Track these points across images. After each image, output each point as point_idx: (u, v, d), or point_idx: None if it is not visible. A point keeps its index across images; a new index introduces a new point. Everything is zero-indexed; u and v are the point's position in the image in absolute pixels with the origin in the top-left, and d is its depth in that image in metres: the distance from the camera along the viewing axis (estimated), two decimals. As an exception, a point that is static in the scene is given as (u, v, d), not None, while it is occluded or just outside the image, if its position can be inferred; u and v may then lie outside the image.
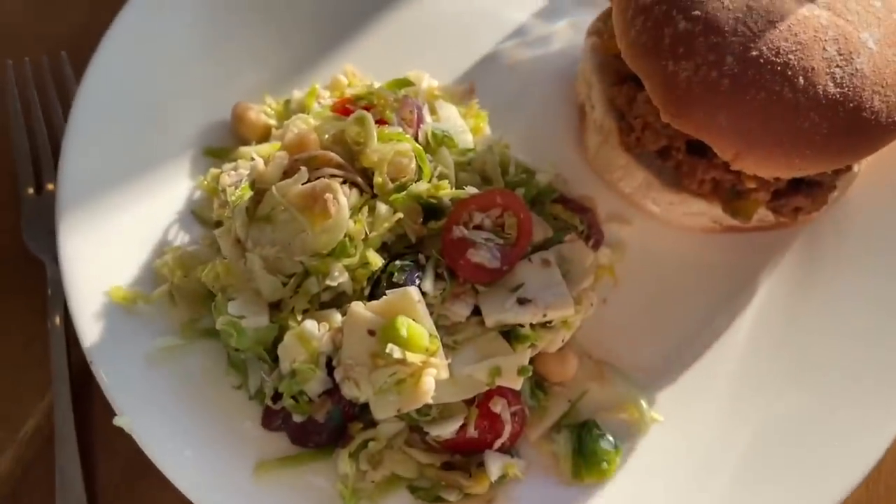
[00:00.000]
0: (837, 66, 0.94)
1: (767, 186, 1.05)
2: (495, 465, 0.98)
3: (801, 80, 0.93)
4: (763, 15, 0.94)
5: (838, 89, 0.94)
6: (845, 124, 0.94)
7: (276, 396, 0.97)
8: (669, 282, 1.15)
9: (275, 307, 0.98)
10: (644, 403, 1.06)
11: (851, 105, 0.94)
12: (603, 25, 1.19)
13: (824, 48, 0.94)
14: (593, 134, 1.18)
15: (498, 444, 0.99)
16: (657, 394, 1.08)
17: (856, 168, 1.12)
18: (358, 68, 1.26)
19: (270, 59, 1.26)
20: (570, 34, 1.31)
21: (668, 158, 1.11)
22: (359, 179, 1.02)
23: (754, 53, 0.93)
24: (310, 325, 0.94)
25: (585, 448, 1.01)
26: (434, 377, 0.90)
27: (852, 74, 0.94)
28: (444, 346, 0.94)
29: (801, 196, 1.08)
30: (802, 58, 0.93)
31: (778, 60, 0.93)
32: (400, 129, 1.05)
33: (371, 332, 0.91)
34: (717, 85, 0.94)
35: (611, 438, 1.03)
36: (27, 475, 1.06)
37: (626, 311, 1.13)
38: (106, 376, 0.98)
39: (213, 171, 1.11)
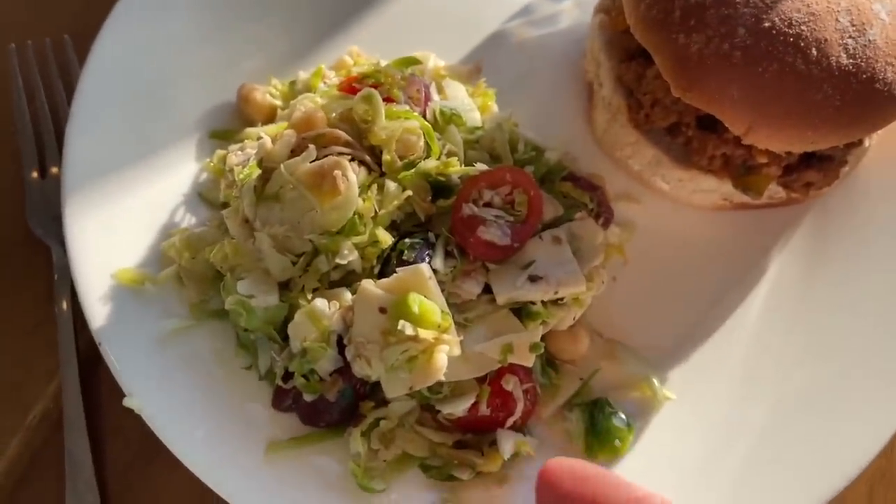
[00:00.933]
0: (850, 37, 0.93)
1: (779, 161, 1.05)
2: (508, 443, 0.97)
3: (814, 51, 0.92)
4: (775, -15, 0.93)
5: (851, 60, 0.93)
6: (858, 96, 0.94)
7: (287, 376, 0.97)
8: (680, 260, 1.14)
9: (284, 286, 0.98)
10: (656, 381, 1.05)
11: (864, 76, 0.93)
12: (610, 2, 1.18)
13: (837, 19, 0.93)
14: (602, 112, 1.17)
15: (510, 422, 0.99)
16: (669, 372, 1.07)
17: (867, 142, 1.12)
18: (363, 50, 1.25)
19: (275, 41, 1.25)
20: (576, 12, 1.30)
21: (677, 135, 1.10)
22: (367, 157, 1.01)
23: (766, 25, 0.92)
24: (320, 303, 0.93)
25: (598, 426, 1.01)
26: (446, 354, 0.90)
27: (865, 46, 0.93)
28: (455, 323, 0.93)
29: (812, 171, 1.07)
30: (815, 29, 0.92)
31: (790, 31, 0.92)
32: (407, 107, 1.04)
33: (382, 310, 0.91)
34: (729, 57, 0.93)
35: (623, 416, 1.02)
36: (37, 459, 1.05)
37: (637, 289, 1.12)
38: (115, 358, 0.98)
39: (220, 152, 1.11)
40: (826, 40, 0.92)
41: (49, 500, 1.02)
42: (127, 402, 0.95)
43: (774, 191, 1.10)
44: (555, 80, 1.25)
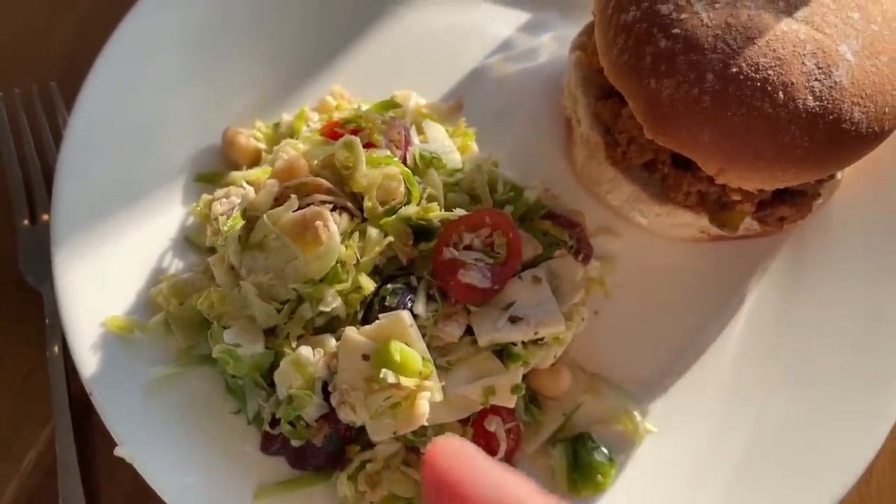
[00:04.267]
0: (816, 79, 0.95)
1: (752, 198, 1.07)
2: (492, 482, 0.99)
3: (781, 94, 0.94)
4: (742, 31, 0.95)
5: (818, 102, 0.95)
6: (826, 137, 0.96)
7: (274, 422, 0.99)
8: (660, 292, 1.16)
9: (270, 333, 1.00)
10: (637, 415, 1.07)
11: (831, 117, 0.95)
12: (587, 40, 1.20)
13: (803, 62, 0.95)
14: (580, 148, 1.19)
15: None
16: (650, 405, 1.09)
17: (839, 175, 1.14)
18: (346, 88, 1.27)
19: (258, 81, 1.27)
20: (554, 47, 1.32)
21: (654, 172, 1.12)
22: (349, 204, 1.03)
23: (734, 70, 0.94)
24: (305, 351, 0.95)
25: (581, 461, 1.03)
26: (428, 400, 0.92)
27: (831, 87, 0.95)
28: (438, 367, 0.96)
29: (785, 206, 1.09)
30: (782, 73, 0.94)
31: (757, 76, 0.94)
32: (388, 152, 1.06)
33: (365, 357, 0.93)
34: (699, 102, 0.95)
35: (605, 451, 1.04)
36: (31, 504, 1.07)
37: (618, 322, 1.14)
38: (106, 407, 1.00)
39: (206, 197, 1.12)
40: (793, 84, 0.94)
41: (45, 545, 1.04)
42: (118, 452, 0.97)
43: (749, 224, 1.13)
44: (534, 116, 1.27)
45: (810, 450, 1.04)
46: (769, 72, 0.94)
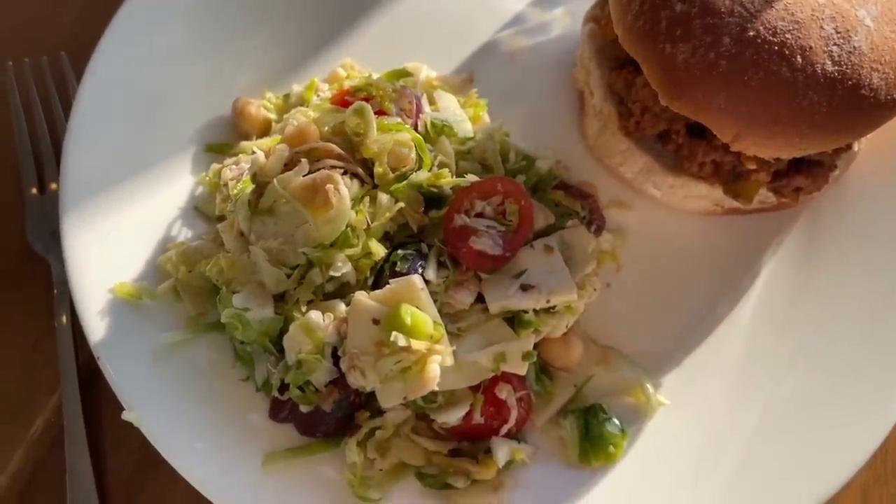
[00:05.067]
0: (835, 44, 0.94)
1: (768, 167, 1.05)
2: (502, 450, 0.98)
3: (799, 58, 0.93)
4: (759, -5, 0.94)
5: (836, 67, 0.94)
6: (844, 102, 0.94)
7: (283, 387, 0.98)
8: (672, 265, 1.15)
9: (279, 299, 0.99)
10: (649, 387, 1.06)
11: (850, 83, 0.94)
12: (600, 11, 1.19)
13: (821, 26, 0.94)
14: (593, 120, 1.18)
15: (504, 429, 1.00)
16: (662, 377, 1.08)
17: (855, 146, 1.12)
18: (356, 61, 1.26)
19: (269, 54, 1.26)
20: (566, 21, 1.31)
21: (667, 142, 1.11)
22: (359, 170, 1.02)
23: (751, 34, 0.93)
24: (314, 315, 0.94)
25: (592, 432, 1.02)
26: (439, 364, 0.91)
27: (850, 52, 0.94)
28: (449, 333, 0.95)
29: (801, 176, 1.08)
30: (800, 37, 0.93)
31: (775, 40, 0.93)
32: (399, 120, 1.05)
33: (375, 321, 0.92)
34: (715, 66, 0.94)
35: (617, 422, 1.03)
36: (38, 472, 1.07)
37: (630, 295, 1.13)
38: (114, 372, 0.99)
39: (215, 166, 1.12)
40: (811, 48, 0.93)
41: (52, 511, 1.03)
42: (126, 416, 0.96)
43: (765, 196, 1.11)
44: (546, 89, 1.26)
45: (823, 425, 1.03)
46: (787, 35, 0.93)
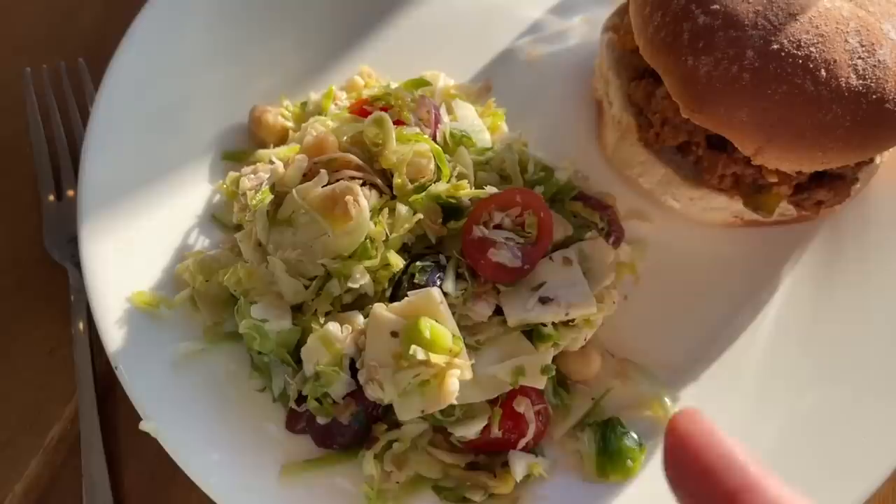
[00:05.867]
0: (860, 57, 0.93)
1: (789, 180, 1.04)
2: (520, 464, 0.97)
3: (823, 72, 0.92)
4: (783, 7, 0.93)
5: (861, 81, 0.93)
6: (868, 116, 0.93)
7: (300, 399, 0.97)
8: (691, 278, 1.14)
9: (297, 310, 0.99)
10: (668, 401, 1.05)
11: (874, 97, 0.93)
12: (619, 21, 1.19)
13: (846, 40, 0.93)
14: (611, 130, 1.18)
15: (522, 443, 0.99)
16: (681, 391, 1.07)
17: (878, 160, 1.11)
18: (374, 69, 1.26)
19: (286, 61, 1.26)
20: (585, 30, 1.31)
21: (687, 154, 1.10)
22: (378, 181, 1.02)
23: (775, 47, 0.92)
24: (332, 327, 0.94)
25: (610, 446, 1.01)
26: (458, 378, 0.90)
27: (875, 66, 0.93)
28: (467, 346, 0.94)
29: (823, 189, 1.07)
30: (824, 50, 0.92)
31: (799, 53, 0.92)
32: (418, 130, 1.05)
33: (394, 334, 0.91)
34: (738, 79, 0.93)
35: (635, 436, 1.02)
36: (56, 480, 1.07)
37: (648, 308, 1.12)
38: (131, 381, 0.99)
39: (233, 174, 1.12)
40: (835, 61, 0.92)
41: (68, 520, 1.04)
42: (143, 426, 0.96)
43: (785, 209, 1.10)
44: (564, 98, 1.26)
45: (843, 442, 1.02)
46: (811, 49, 0.92)
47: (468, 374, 0.91)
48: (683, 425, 0.61)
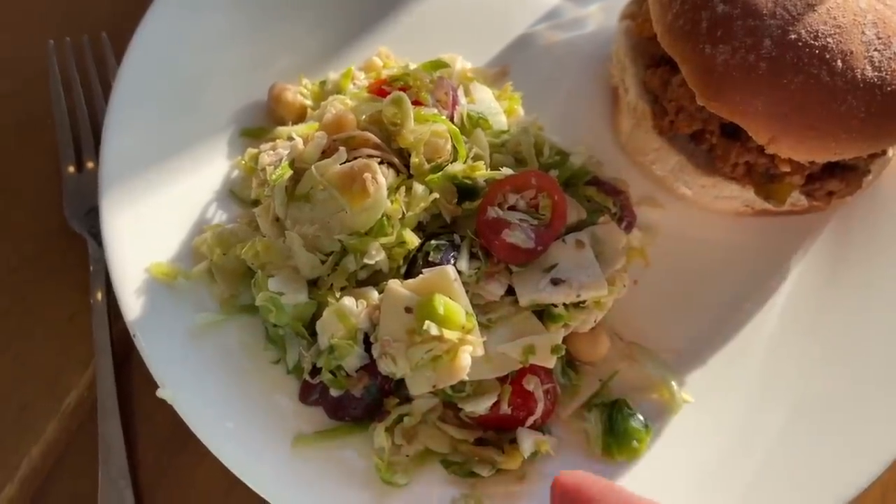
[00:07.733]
0: (876, 49, 0.94)
1: (801, 170, 1.06)
2: (527, 441, 0.99)
3: (840, 63, 0.93)
4: (802, -2, 0.94)
5: (876, 73, 0.94)
6: (883, 108, 0.94)
7: (314, 371, 0.99)
8: (700, 264, 1.16)
9: (313, 284, 1.01)
10: (674, 384, 1.07)
11: (889, 88, 0.94)
12: (636, 8, 1.19)
13: (863, 32, 0.94)
14: (626, 117, 1.19)
15: (530, 420, 1.01)
16: (688, 375, 1.09)
17: (890, 152, 1.12)
18: (392, 50, 1.27)
19: (306, 41, 1.27)
20: (602, 17, 1.32)
21: (701, 142, 1.11)
22: (395, 160, 1.03)
23: (792, 37, 0.93)
24: (348, 301, 0.96)
25: (616, 426, 1.02)
26: (470, 354, 0.92)
27: (890, 58, 0.94)
28: (479, 324, 0.96)
29: (835, 180, 1.08)
30: (841, 41, 0.93)
31: (816, 44, 0.93)
32: (435, 111, 1.06)
33: (408, 310, 0.93)
34: (755, 68, 0.94)
35: (641, 418, 1.04)
36: (72, 444, 1.09)
37: (658, 293, 1.13)
38: (148, 349, 1.01)
39: (251, 150, 1.13)
40: (851, 52, 0.93)
41: (83, 483, 1.05)
42: (160, 393, 0.98)
43: (796, 199, 1.12)
44: (580, 84, 1.27)
45: (848, 428, 1.03)
46: (828, 39, 0.93)
47: (480, 351, 0.93)
48: (567, 477, 0.74)
